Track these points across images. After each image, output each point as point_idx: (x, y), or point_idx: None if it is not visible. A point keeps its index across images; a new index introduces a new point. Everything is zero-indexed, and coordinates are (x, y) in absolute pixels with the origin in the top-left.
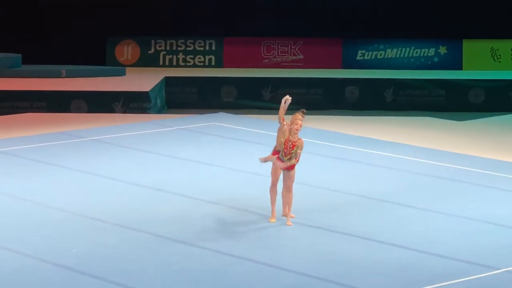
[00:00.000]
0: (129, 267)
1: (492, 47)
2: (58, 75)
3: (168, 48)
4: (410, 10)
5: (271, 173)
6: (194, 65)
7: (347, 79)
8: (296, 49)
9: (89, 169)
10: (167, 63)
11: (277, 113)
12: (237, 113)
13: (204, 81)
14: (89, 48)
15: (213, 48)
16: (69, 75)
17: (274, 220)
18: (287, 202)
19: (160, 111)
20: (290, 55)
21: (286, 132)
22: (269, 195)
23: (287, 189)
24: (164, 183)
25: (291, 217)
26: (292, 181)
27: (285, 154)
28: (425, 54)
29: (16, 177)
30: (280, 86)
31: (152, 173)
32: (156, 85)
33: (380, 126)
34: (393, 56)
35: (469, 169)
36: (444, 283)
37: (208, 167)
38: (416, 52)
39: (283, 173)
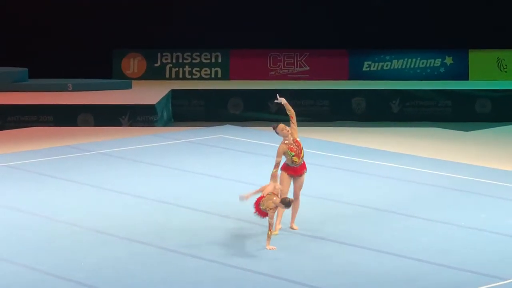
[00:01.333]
0: (137, 281)
1: (498, 57)
2: (64, 89)
3: (174, 60)
4: (416, 21)
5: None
6: (201, 78)
7: (354, 90)
8: (302, 60)
9: (96, 183)
10: (173, 76)
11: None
12: (243, 125)
13: (210, 93)
14: (95, 61)
15: (219, 60)
16: (76, 88)
17: (277, 232)
18: (296, 210)
19: (166, 124)
20: (296, 67)
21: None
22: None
23: (297, 197)
24: (171, 196)
25: (295, 228)
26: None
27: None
28: (431, 65)
29: (23, 191)
30: (287, 98)
31: (159, 186)
32: (163, 98)
33: (387, 137)
34: (399, 67)
35: (477, 179)
36: None
37: (215, 179)
38: (422, 63)
39: (296, 181)
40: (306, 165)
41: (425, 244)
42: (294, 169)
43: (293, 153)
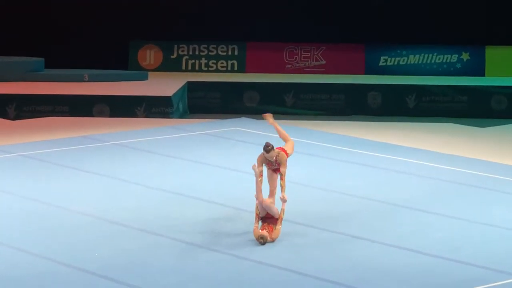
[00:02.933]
0: (151, 272)
1: None
2: (80, 79)
3: (190, 52)
4: (432, 16)
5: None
6: (217, 70)
7: (370, 85)
8: (319, 54)
9: (111, 174)
10: (189, 68)
11: (299, 119)
12: (259, 119)
13: (226, 86)
14: (111, 52)
15: (236, 53)
16: (92, 79)
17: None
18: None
19: (182, 116)
20: (313, 61)
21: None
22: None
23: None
24: (186, 188)
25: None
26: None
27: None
28: (448, 60)
29: (39, 181)
30: (303, 91)
31: (174, 178)
32: (179, 90)
33: (402, 132)
34: (416, 62)
35: (492, 175)
36: None
37: (230, 172)
38: (439, 58)
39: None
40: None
41: (438, 240)
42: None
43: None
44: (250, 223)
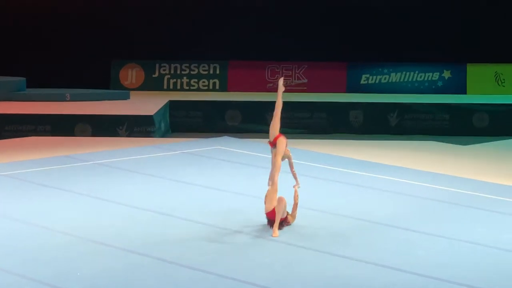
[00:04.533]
0: None
1: (496, 71)
2: (62, 99)
3: (172, 71)
4: (414, 34)
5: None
6: (199, 89)
7: (351, 103)
8: (301, 73)
9: (93, 193)
10: (171, 87)
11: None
12: (241, 137)
13: (208, 105)
14: (93, 71)
15: (218, 72)
16: (74, 98)
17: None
18: None
19: (164, 135)
20: (295, 79)
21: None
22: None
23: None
24: (168, 207)
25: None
26: None
27: None
28: (429, 78)
29: (20, 200)
30: (284, 110)
31: (156, 197)
32: (161, 109)
33: (384, 150)
34: (398, 80)
35: (474, 193)
36: None
37: (212, 191)
38: (420, 76)
39: None
40: None
41: (422, 258)
42: None
43: None
44: (232, 241)
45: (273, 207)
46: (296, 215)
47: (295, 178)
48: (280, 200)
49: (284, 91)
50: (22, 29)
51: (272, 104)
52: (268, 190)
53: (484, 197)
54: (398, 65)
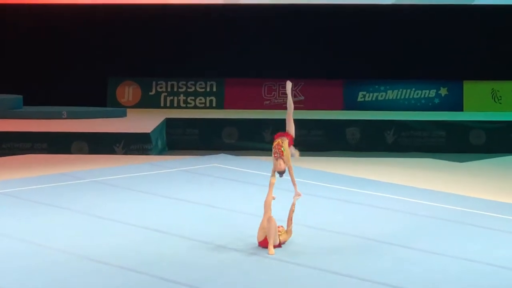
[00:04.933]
0: None
1: (492, 88)
2: (59, 117)
3: (169, 89)
4: (410, 51)
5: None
6: (195, 107)
7: (348, 120)
8: (297, 90)
9: (90, 211)
10: (168, 105)
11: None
12: (238, 155)
13: (205, 122)
14: (90, 89)
15: (214, 89)
16: (70, 116)
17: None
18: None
19: (161, 152)
20: (291, 97)
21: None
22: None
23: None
24: (165, 225)
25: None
26: None
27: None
28: (426, 96)
29: (17, 218)
30: (281, 127)
31: (153, 214)
32: (157, 126)
33: (381, 167)
34: (394, 98)
35: (471, 210)
36: None
37: (209, 208)
38: (417, 94)
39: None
40: None
41: (417, 275)
42: None
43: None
44: (228, 259)
45: (264, 236)
46: (292, 231)
47: (294, 186)
48: (270, 220)
49: (281, 109)
50: (18, 46)
51: (269, 122)
52: (262, 219)
53: (480, 214)
54: (394, 83)
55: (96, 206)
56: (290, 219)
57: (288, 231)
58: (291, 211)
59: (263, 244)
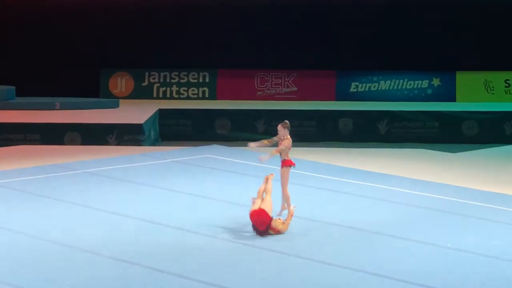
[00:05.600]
0: None
1: (485, 79)
2: (52, 107)
3: (161, 80)
4: (403, 42)
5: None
6: (188, 97)
7: (341, 111)
8: (290, 81)
9: (83, 202)
10: (160, 95)
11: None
12: (231, 146)
13: (198, 113)
14: (83, 80)
15: (207, 80)
16: (63, 107)
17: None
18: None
19: (153, 143)
20: (284, 87)
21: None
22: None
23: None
24: (158, 216)
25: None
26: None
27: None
28: (419, 86)
29: (10, 209)
30: (274, 118)
31: (146, 205)
32: (150, 117)
33: (374, 158)
34: (387, 88)
35: (463, 201)
36: None
37: (201, 199)
38: (410, 84)
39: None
40: None
41: (411, 266)
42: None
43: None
44: (222, 249)
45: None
46: (289, 224)
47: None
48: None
49: (274, 100)
50: (10, 38)
51: (262, 112)
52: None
53: (473, 205)
54: (387, 73)
55: (89, 197)
56: (290, 216)
57: (286, 224)
58: (292, 211)
59: (256, 215)
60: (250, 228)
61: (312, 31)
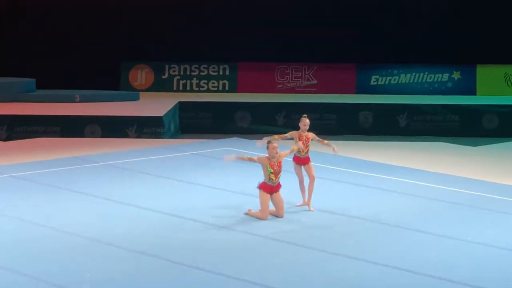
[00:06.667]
0: None
1: (505, 73)
2: (72, 100)
3: (181, 73)
4: (423, 35)
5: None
6: (208, 90)
7: (361, 104)
8: (310, 74)
9: (103, 194)
10: (180, 88)
11: (291, 138)
12: (251, 138)
13: (218, 106)
14: (103, 73)
15: (227, 73)
16: (83, 100)
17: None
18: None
19: (173, 136)
20: (304, 80)
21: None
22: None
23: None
24: (178, 209)
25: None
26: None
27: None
28: (439, 80)
29: (30, 202)
30: (294, 111)
31: (165, 198)
32: (170, 110)
33: (394, 151)
34: (407, 81)
35: (484, 194)
36: None
37: (221, 192)
38: (430, 77)
39: (306, 167)
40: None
41: (432, 259)
42: (271, 187)
43: (272, 170)
44: (241, 242)
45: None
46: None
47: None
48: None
49: (294, 92)
50: (32, 30)
51: (282, 105)
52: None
53: (493, 198)
54: (407, 66)
55: (108, 189)
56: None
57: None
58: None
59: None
60: (270, 221)
61: (333, 24)
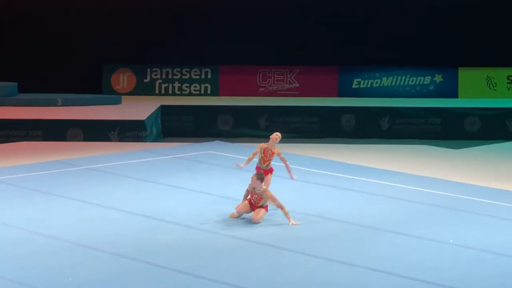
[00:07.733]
0: None
1: (487, 75)
2: (54, 104)
3: (164, 76)
4: (405, 38)
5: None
6: (190, 94)
7: (343, 107)
8: (292, 77)
9: (85, 198)
10: (163, 92)
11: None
12: (233, 142)
13: (200, 109)
14: (85, 76)
15: (209, 76)
16: (65, 103)
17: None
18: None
19: (156, 139)
20: (286, 84)
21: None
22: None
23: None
24: (160, 212)
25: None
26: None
27: (264, 161)
28: (421, 82)
29: (12, 206)
30: (276, 114)
31: (148, 202)
32: (152, 113)
33: (376, 154)
34: (389, 84)
35: (465, 197)
36: None
37: (204, 195)
38: (412, 80)
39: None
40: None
41: (414, 262)
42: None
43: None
44: (223, 246)
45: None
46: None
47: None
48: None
49: (276, 96)
50: (13, 34)
51: (264, 109)
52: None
53: (475, 201)
54: (389, 69)
55: (91, 193)
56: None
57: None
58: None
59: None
60: (252, 224)
61: (315, 27)
